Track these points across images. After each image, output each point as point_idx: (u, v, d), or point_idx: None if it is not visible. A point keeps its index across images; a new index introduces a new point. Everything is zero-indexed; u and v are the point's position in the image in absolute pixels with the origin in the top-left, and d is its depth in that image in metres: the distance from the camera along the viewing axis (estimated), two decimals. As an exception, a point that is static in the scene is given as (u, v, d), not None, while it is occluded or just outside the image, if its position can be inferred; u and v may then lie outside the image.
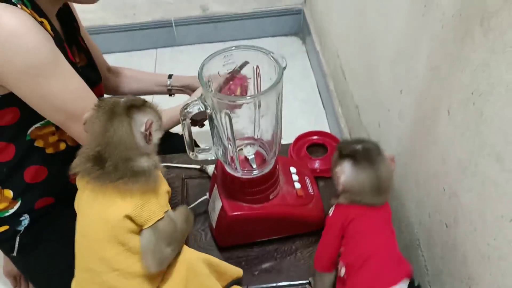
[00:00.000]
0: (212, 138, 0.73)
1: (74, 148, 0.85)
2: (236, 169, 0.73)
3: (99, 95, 0.93)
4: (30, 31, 0.66)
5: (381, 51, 0.95)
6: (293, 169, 0.83)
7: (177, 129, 0.78)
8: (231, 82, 0.81)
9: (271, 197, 0.76)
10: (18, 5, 0.68)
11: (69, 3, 0.87)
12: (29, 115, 0.75)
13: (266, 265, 0.78)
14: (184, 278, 0.64)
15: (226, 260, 0.78)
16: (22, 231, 0.85)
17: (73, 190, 0.88)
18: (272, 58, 0.66)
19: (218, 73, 0.71)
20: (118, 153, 0.58)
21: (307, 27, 1.83)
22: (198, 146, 0.78)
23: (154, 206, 0.60)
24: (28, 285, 1.09)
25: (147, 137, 0.62)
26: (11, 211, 0.83)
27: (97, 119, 0.60)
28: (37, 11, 0.73)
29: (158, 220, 0.60)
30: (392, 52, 0.88)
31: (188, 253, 0.66)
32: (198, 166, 0.95)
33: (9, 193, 0.82)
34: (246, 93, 0.82)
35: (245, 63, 0.75)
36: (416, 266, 0.82)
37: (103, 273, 0.60)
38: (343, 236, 0.64)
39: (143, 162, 0.60)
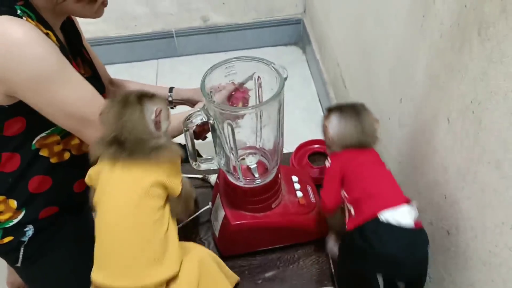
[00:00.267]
0: (215, 148, 0.74)
1: (78, 157, 0.86)
2: (239, 178, 0.73)
3: None
4: (36, 41, 0.68)
5: (380, 60, 0.96)
6: (295, 178, 0.83)
7: (179, 139, 0.78)
8: (233, 93, 0.82)
9: (273, 206, 0.77)
10: (24, 18, 0.69)
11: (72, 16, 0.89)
12: (35, 124, 0.76)
13: (269, 274, 0.78)
14: (198, 274, 0.66)
15: (230, 269, 0.78)
16: (26, 242, 0.85)
17: (77, 199, 0.89)
18: (273, 69, 0.67)
19: (217, 86, 0.72)
20: (132, 136, 0.64)
21: (307, 36, 1.85)
22: (201, 156, 0.78)
23: (178, 175, 0.67)
24: (31, 296, 1.09)
25: (157, 124, 0.66)
26: (15, 221, 0.83)
27: (111, 109, 0.65)
28: (42, 23, 0.74)
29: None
30: (391, 61, 0.89)
31: (199, 249, 0.69)
32: (200, 176, 0.96)
33: (13, 203, 0.83)
34: (247, 105, 0.83)
35: (250, 77, 0.77)
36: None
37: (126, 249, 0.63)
38: (344, 180, 0.69)
39: (159, 141, 0.66)
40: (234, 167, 0.73)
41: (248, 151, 0.79)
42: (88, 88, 0.76)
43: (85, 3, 0.75)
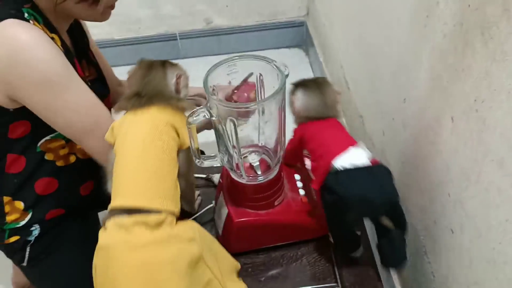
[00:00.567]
0: (218, 145, 0.74)
1: (84, 161, 0.86)
2: (241, 175, 0.74)
3: (107, 107, 0.95)
4: (41, 45, 0.67)
5: (383, 61, 0.97)
6: (297, 176, 0.84)
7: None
8: (239, 91, 0.83)
9: (276, 203, 0.77)
10: (31, 21, 0.69)
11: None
12: (40, 128, 0.76)
13: (272, 272, 0.78)
14: (197, 231, 0.67)
15: (232, 267, 0.78)
16: (32, 242, 0.85)
17: (83, 201, 0.89)
18: (274, 67, 0.68)
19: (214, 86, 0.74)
20: (153, 89, 0.71)
21: (310, 39, 1.86)
22: (204, 153, 0.79)
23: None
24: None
25: (177, 87, 0.73)
26: (22, 223, 0.84)
27: (137, 71, 0.73)
28: (48, 27, 0.74)
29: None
30: (395, 62, 0.89)
31: (195, 223, 0.70)
32: (204, 175, 0.97)
33: (20, 205, 0.83)
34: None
35: (249, 76, 0.77)
36: (422, 272, 0.82)
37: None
38: (306, 144, 0.76)
39: (178, 96, 0.73)
40: (237, 164, 0.73)
41: (250, 148, 0.79)
42: (89, 97, 0.75)
43: (87, 5, 0.74)
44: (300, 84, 0.79)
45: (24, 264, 0.87)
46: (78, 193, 0.89)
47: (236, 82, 0.82)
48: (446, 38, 0.65)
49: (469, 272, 0.65)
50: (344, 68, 1.36)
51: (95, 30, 0.98)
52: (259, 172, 0.75)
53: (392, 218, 0.69)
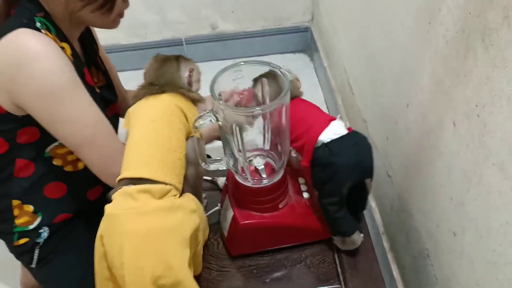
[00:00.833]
0: (224, 149, 0.76)
1: None
2: (247, 179, 0.75)
3: (114, 113, 0.96)
4: (50, 56, 0.69)
5: (387, 66, 0.98)
6: (301, 180, 0.85)
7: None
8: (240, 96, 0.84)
9: (280, 206, 0.78)
10: (42, 30, 0.71)
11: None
12: (48, 134, 0.77)
13: (276, 274, 0.79)
14: (198, 204, 0.71)
15: (238, 268, 0.80)
16: (41, 243, 0.86)
17: (91, 206, 0.90)
18: (279, 72, 0.70)
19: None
20: (166, 80, 0.75)
21: (314, 44, 1.87)
22: (210, 157, 0.80)
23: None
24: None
25: (190, 80, 0.78)
26: (31, 227, 0.85)
27: (152, 65, 0.79)
28: (60, 36, 0.76)
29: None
30: (398, 67, 0.91)
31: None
32: (209, 178, 0.98)
33: (29, 208, 0.84)
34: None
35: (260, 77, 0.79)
36: (425, 275, 0.83)
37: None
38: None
39: (189, 88, 0.78)
40: (242, 168, 0.75)
41: (255, 152, 0.80)
42: (89, 112, 0.75)
43: (101, 14, 0.76)
44: (261, 77, 0.79)
45: (33, 265, 0.88)
46: (85, 198, 0.91)
47: (242, 87, 0.84)
48: (448, 44, 0.67)
49: (471, 274, 0.65)
50: (348, 73, 1.38)
51: (102, 35, 1.00)
52: (264, 176, 0.77)
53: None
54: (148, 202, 0.63)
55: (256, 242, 0.80)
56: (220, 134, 0.74)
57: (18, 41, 0.68)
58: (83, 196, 0.90)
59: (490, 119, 0.57)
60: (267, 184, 0.76)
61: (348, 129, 0.74)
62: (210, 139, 0.87)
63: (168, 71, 0.77)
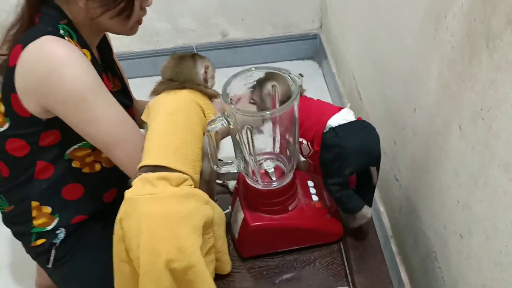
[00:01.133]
0: (235, 152, 0.78)
1: (108, 169, 0.89)
2: (257, 181, 0.77)
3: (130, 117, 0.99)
4: (76, 61, 0.73)
5: (394, 72, 1.00)
6: (310, 183, 0.87)
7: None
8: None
9: (290, 208, 0.80)
10: (66, 37, 0.75)
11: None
12: (69, 137, 0.81)
13: (286, 275, 0.81)
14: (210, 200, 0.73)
15: (248, 270, 0.81)
16: (57, 244, 0.88)
17: (107, 209, 0.92)
18: (289, 77, 0.72)
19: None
20: (184, 76, 0.79)
21: (323, 50, 1.89)
22: (221, 160, 0.82)
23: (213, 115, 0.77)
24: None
25: (205, 76, 0.82)
26: (49, 228, 0.87)
27: (170, 62, 0.83)
28: (81, 42, 0.79)
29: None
30: (405, 73, 0.92)
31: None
32: (220, 181, 1.00)
33: (47, 209, 0.87)
34: None
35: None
36: (433, 278, 0.84)
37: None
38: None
39: (205, 84, 0.81)
40: (253, 171, 0.77)
41: (265, 156, 0.82)
42: (119, 110, 0.79)
43: (119, 20, 0.79)
44: (257, 86, 0.81)
45: (49, 266, 0.90)
46: (101, 199, 0.93)
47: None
48: (454, 49, 0.68)
49: (478, 274, 0.66)
50: (356, 78, 1.39)
51: (116, 43, 1.03)
52: (274, 178, 0.78)
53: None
54: (165, 189, 0.66)
55: (266, 244, 0.82)
56: (232, 138, 0.76)
57: (46, 48, 0.72)
58: (99, 198, 0.92)
59: (495, 122, 0.58)
60: (277, 187, 0.77)
61: (358, 118, 0.78)
62: (226, 133, 0.90)
63: (186, 68, 0.81)
